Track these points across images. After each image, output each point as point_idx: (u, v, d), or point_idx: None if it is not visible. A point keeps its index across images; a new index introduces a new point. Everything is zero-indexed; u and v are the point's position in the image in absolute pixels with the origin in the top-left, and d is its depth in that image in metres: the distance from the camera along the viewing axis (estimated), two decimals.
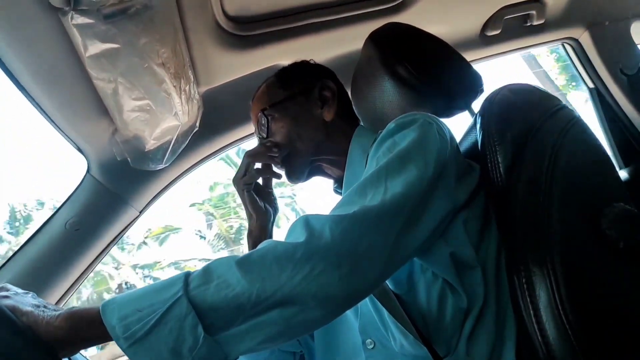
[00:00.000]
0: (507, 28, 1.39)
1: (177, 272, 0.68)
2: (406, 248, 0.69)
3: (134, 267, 12.21)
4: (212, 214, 12.65)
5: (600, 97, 1.48)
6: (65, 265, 1.19)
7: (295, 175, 1.04)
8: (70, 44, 0.84)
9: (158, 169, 1.13)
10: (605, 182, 0.90)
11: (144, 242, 12.57)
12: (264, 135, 1.04)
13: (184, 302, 0.58)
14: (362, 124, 1.09)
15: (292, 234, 0.66)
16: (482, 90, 1.06)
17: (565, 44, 1.53)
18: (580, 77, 1.54)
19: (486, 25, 1.38)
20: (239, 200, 1.10)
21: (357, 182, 0.74)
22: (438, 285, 0.78)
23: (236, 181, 1.04)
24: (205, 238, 12.52)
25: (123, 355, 0.60)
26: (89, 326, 0.59)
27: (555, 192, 0.80)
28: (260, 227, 1.05)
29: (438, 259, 0.78)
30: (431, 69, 0.99)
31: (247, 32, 1.13)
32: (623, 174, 1.44)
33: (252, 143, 1.15)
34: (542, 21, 1.40)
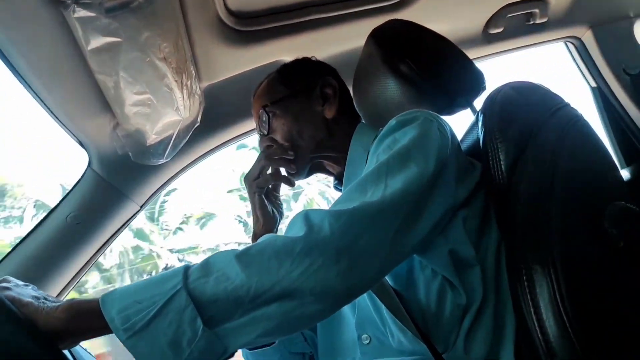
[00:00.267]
0: (509, 26, 1.39)
1: None
2: (405, 245, 0.69)
3: (171, 250, 12.74)
4: None
5: (603, 97, 1.47)
6: (66, 259, 1.20)
7: (296, 172, 1.04)
8: (72, 38, 0.84)
9: (159, 163, 1.13)
10: (607, 181, 0.90)
11: (180, 228, 13.06)
12: (265, 132, 1.04)
13: (183, 294, 0.58)
14: (363, 121, 1.09)
15: (292, 229, 0.66)
16: (484, 88, 1.06)
17: (567, 43, 1.53)
18: (582, 76, 1.54)
19: (489, 23, 1.38)
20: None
21: (358, 178, 0.74)
22: (437, 282, 0.79)
23: (248, 182, 1.04)
24: (247, 224, 12.87)
25: None
26: (89, 317, 0.59)
27: (557, 190, 0.80)
28: (266, 231, 1.04)
29: (437, 256, 0.78)
30: (433, 67, 0.98)
31: (249, 27, 1.12)
32: (624, 173, 1.43)
33: (253, 139, 1.15)
34: (545, 20, 1.40)
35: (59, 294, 1.22)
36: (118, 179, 1.22)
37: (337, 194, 1.07)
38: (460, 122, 1.10)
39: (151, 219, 12.91)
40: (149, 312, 0.57)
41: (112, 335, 0.58)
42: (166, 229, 13.10)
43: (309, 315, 0.62)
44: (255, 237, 1.05)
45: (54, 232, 1.18)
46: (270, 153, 1.01)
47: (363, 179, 0.73)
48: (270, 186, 1.07)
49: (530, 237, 0.76)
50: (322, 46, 1.25)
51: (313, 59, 1.14)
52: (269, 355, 1.02)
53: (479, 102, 1.03)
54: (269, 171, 1.03)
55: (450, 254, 0.78)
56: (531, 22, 1.41)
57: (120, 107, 0.98)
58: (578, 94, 1.55)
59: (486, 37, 1.42)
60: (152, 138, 1.07)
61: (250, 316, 0.60)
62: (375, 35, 1.04)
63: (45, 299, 0.62)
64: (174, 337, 0.57)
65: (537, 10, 1.37)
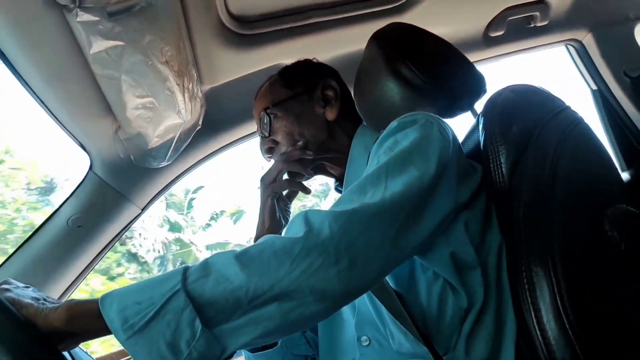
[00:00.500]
0: (510, 29, 1.39)
1: None
2: (405, 246, 0.69)
3: (206, 247, 13.06)
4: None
5: (603, 99, 1.48)
6: (67, 262, 1.20)
7: (297, 164, 1.04)
8: (75, 41, 0.84)
9: (161, 166, 1.13)
10: (608, 183, 0.90)
11: (208, 224, 13.42)
12: (266, 134, 1.04)
13: (181, 295, 0.58)
14: (364, 123, 1.09)
15: (291, 229, 0.66)
16: (485, 91, 1.06)
17: (568, 46, 1.53)
18: (583, 79, 1.54)
19: (489, 26, 1.38)
20: (310, 181, 1.09)
21: (358, 180, 0.74)
22: (439, 285, 0.79)
23: (264, 185, 1.03)
24: None
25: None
26: (88, 318, 0.59)
27: (558, 193, 0.80)
28: None
29: (438, 259, 0.78)
30: (434, 69, 0.99)
31: (250, 30, 1.13)
32: (625, 176, 1.43)
33: (255, 142, 1.15)
34: (545, 23, 1.40)
35: (61, 296, 1.23)
36: (120, 182, 1.22)
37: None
38: (461, 125, 1.10)
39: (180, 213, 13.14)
40: (148, 312, 0.57)
41: None
42: (196, 225, 13.34)
43: (309, 315, 0.62)
44: (256, 240, 1.05)
45: (55, 234, 1.18)
46: (289, 155, 1.00)
47: (363, 181, 0.73)
48: (285, 193, 1.07)
49: (531, 239, 0.77)
50: (324, 49, 1.25)
51: (314, 61, 1.14)
52: (271, 358, 1.01)
53: (479, 105, 1.03)
54: (285, 176, 1.03)
55: (452, 256, 0.78)
56: (532, 25, 1.41)
57: (122, 110, 0.99)
58: (579, 97, 1.55)
59: (487, 40, 1.42)
60: (153, 141, 1.07)
61: (250, 317, 0.60)
62: (377, 38, 1.04)
63: (45, 300, 0.62)
64: (172, 337, 0.57)
65: (537, 14, 1.37)
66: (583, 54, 1.50)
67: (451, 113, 1.06)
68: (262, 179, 1.04)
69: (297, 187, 1.04)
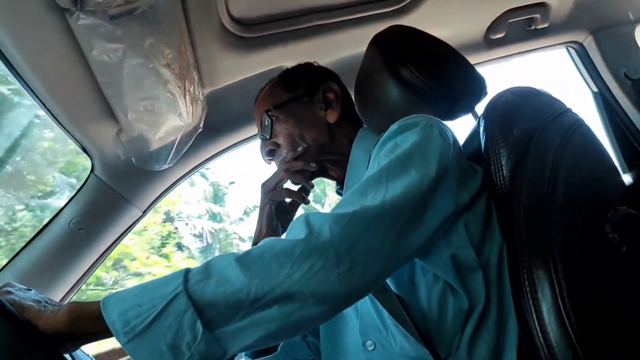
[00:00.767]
0: (511, 31, 1.39)
1: None
2: (406, 249, 0.69)
3: (249, 237, 13.33)
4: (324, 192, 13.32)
5: (604, 101, 1.48)
6: (69, 264, 1.20)
7: (299, 175, 1.04)
8: (77, 44, 0.84)
9: (162, 169, 1.13)
10: (609, 185, 0.90)
11: (241, 218, 13.56)
12: (267, 137, 1.04)
13: (183, 297, 0.58)
14: (365, 126, 1.09)
15: (292, 232, 0.66)
16: (485, 93, 1.06)
17: (569, 48, 1.53)
18: (584, 81, 1.54)
19: (490, 29, 1.38)
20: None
21: (359, 182, 0.74)
22: (439, 287, 0.78)
23: (263, 192, 1.04)
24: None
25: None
26: (90, 321, 0.60)
27: (559, 195, 0.80)
28: None
29: (439, 261, 0.78)
30: (435, 72, 0.99)
31: (251, 34, 1.13)
32: (626, 178, 1.43)
33: (256, 144, 1.15)
34: (546, 25, 1.40)
35: (62, 299, 1.23)
36: (121, 184, 1.22)
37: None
38: (462, 127, 1.10)
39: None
40: (149, 315, 0.57)
41: None
42: (230, 218, 13.63)
43: (310, 318, 0.62)
44: (254, 245, 1.05)
45: (57, 237, 1.18)
46: (291, 165, 1.01)
47: (364, 183, 0.73)
48: (288, 201, 1.07)
49: (532, 241, 0.76)
50: (324, 52, 1.25)
51: (315, 64, 1.15)
52: None
53: (480, 107, 1.03)
54: (286, 185, 1.03)
55: (453, 258, 0.78)
56: (532, 28, 1.41)
57: (123, 113, 0.99)
58: (579, 99, 1.55)
59: (488, 43, 1.42)
60: (155, 144, 1.07)
61: (251, 319, 0.60)
62: (377, 41, 1.05)
63: (46, 303, 0.63)
64: (173, 340, 0.57)
65: (538, 16, 1.38)
66: (584, 56, 1.50)
67: (452, 115, 1.06)
68: (263, 185, 1.04)
69: (295, 196, 1.05)
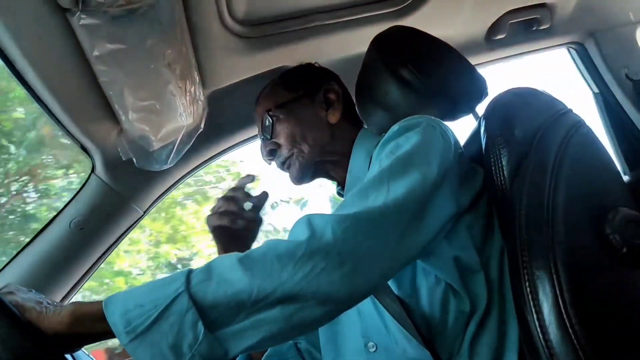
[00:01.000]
0: (512, 32, 1.39)
1: None
2: (409, 250, 0.69)
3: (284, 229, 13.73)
4: None
5: (605, 102, 1.48)
6: (70, 264, 1.20)
7: (300, 176, 1.04)
8: (78, 45, 0.84)
9: (163, 169, 1.13)
10: (610, 186, 0.90)
11: (276, 203, 13.88)
12: (268, 137, 1.05)
13: (184, 297, 0.58)
14: (365, 127, 1.09)
15: (294, 233, 0.66)
16: (486, 94, 1.06)
17: (570, 49, 1.53)
18: (585, 82, 1.54)
19: (491, 30, 1.38)
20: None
21: (360, 184, 0.74)
22: (441, 289, 0.78)
23: (207, 217, 1.03)
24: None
25: None
26: (92, 321, 0.60)
27: (559, 196, 0.80)
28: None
29: (442, 263, 0.78)
30: (435, 73, 0.99)
31: (252, 34, 1.13)
32: (627, 179, 1.43)
33: (256, 145, 1.15)
34: (547, 26, 1.40)
35: (63, 299, 1.23)
36: (122, 184, 1.22)
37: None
38: (463, 128, 1.10)
39: None
40: (151, 315, 0.57)
41: None
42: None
43: (312, 319, 0.62)
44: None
45: (57, 237, 1.18)
46: (228, 195, 1.01)
47: (365, 184, 0.73)
48: (248, 206, 1.05)
49: (532, 242, 0.76)
50: (325, 52, 1.25)
51: (316, 65, 1.15)
52: None
53: (481, 108, 1.03)
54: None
55: (455, 260, 0.78)
56: (533, 28, 1.41)
57: (124, 113, 0.99)
58: (580, 100, 1.55)
59: (489, 44, 1.42)
60: (155, 144, 1.07)
61: (253, 320, 0.60)
62: (378, 42, 1.05)
63: (48, 303, 0.63)
64: (175, 340, 0.57)
65: (539, 17, 1.37)
66: (585, 56, 1.50)
67: (453, 116, 1.06)
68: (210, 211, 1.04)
69: (228, 222, 1.01)
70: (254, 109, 1.12)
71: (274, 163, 1.08)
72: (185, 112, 1.05)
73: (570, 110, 0.95)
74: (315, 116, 1.04)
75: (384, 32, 1.06)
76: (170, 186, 1.33)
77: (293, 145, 1.02)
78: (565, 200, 0.80)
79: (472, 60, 1.12)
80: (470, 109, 1.07)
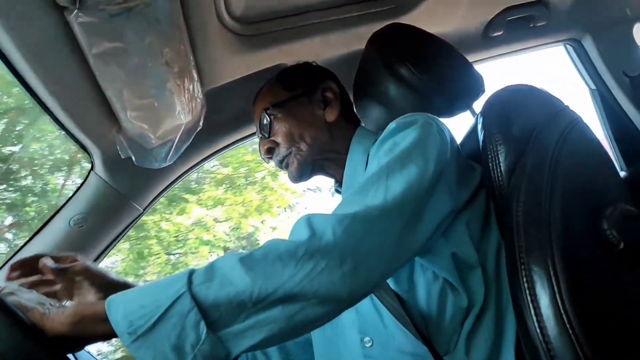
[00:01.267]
0: (509, 29, 1.39)
1: None
2: (408, 247, 0.70)
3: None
4: None
5: (602, 99, 1.48)
6: None
7: (298, 174, 1.05)
8: (76, 43, 0.84)
9: (162, 167, 1.13)
10: (607, 183, 0.90)
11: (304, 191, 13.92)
12: (266, 135, 1.05)
13: (187, 298, 0.58)
14: (362, 125, 1.10)
15: (295, 233, 0.67)
16: (483, 91, 1.07)
17: (567, 46, 1.53)
18: (582, 79, 1.54)
19: (489, 26, 1.38)
20: None
21: (358, 182, 0.74)
22: (438, 285, 0.79)
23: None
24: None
25: None
26: (95, 322, 0.60)
27: (557, 192, 0.81)
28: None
29: (439, 259, 0.78)
30: (432, 70, 0.99)
31: (251, 32, 1.13)
32: (624, 175, 1.44)
33: (255, 142, 1.15)
34: (544, 23, 1.40)
35: None
36: (121, 182, 1.22)
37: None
38: (460, 125, 1.11)
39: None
40: (153, 315, 0.58)
41: None
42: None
43: (313, 318, 0.63)
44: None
45: (57, 235, 1.18)
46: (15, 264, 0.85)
47: (364, 183, 0.73)
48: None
49: (530, 238, 0.77)
50: (324, 50, 1.25)
51: (314, 63, 1.15)
52: None
53: (478, 105, 1.03)
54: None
55: (453, 256, 0.78)
56: (531, 25, 1.41)
57: (123, 111, 0.99)
58: (577, 97, 1.55)
59: (486, 40, 1.42)
60: (154, 142, 1.07)
61: (254, 320, 0.60)
62: (375, 40, 1.05)
63: (50, 304, 0.63)
64: (177, 340, 0.57)
65: (536, 14, 1.37)
66: (582, 53, 1.50)
67: (450, 113, 1.06)
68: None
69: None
70: (252, 106, 1.13)
71: (271, 161, 1.08)
72: (184, 110, 1.05)
73: (567, 107, 0.95)
74: (313, 115, 1.04)
75: (381, 29, 1.06)
76: (170, 184, 1.33)
77: (291, 144, 1.02)
78: (562, 196, 0.80)
79: (470, 58, 1.12)
80: (468, 106, 1.07)
